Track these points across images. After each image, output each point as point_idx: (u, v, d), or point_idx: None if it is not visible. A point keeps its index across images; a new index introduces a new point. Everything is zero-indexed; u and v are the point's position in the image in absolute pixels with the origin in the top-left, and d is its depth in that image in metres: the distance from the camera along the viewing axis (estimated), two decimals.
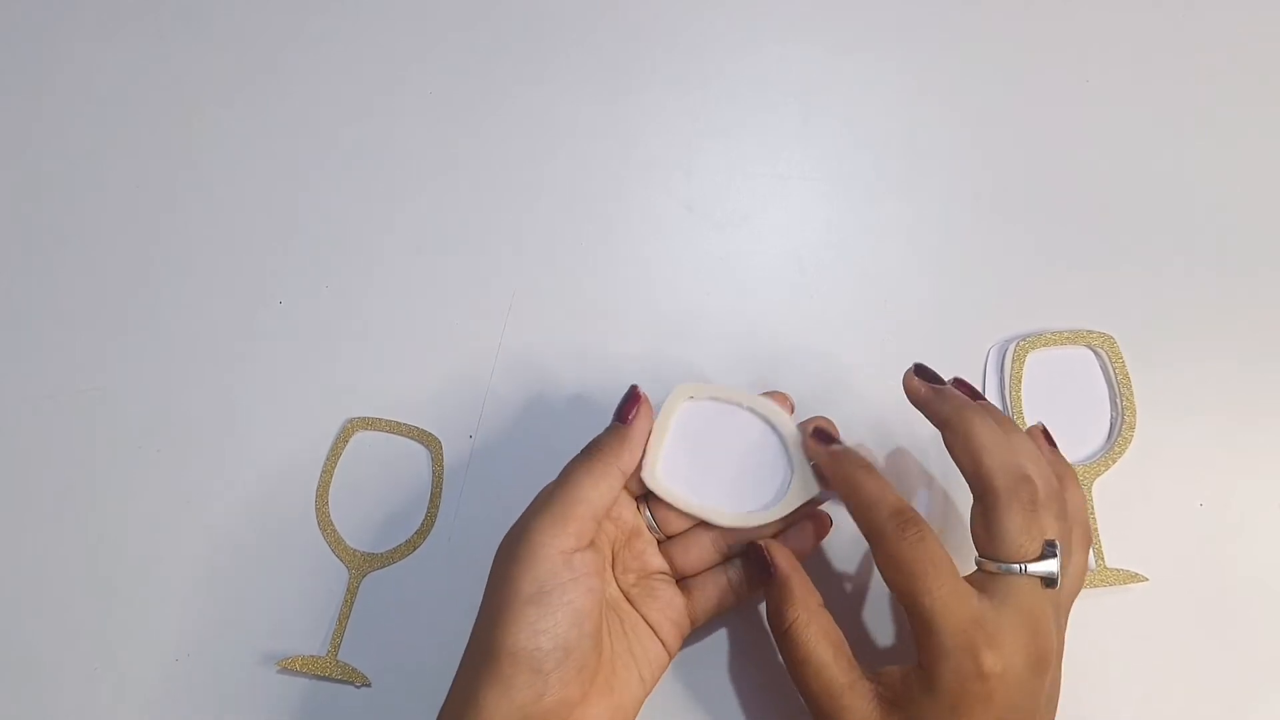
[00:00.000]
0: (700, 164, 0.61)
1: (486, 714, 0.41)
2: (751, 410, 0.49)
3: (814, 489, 0.48)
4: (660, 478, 0.48)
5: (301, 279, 0.59)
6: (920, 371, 0.48)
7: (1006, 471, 0.42)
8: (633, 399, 0.47)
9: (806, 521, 0.49)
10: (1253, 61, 0.63)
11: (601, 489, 0.44)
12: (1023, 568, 0.42)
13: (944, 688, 0.40)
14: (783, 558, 0.46)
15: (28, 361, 0.58)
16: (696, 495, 0.48)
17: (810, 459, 0.47)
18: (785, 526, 0.49)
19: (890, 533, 0.42)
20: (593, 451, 0.46)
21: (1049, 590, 0.42)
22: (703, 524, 0.49)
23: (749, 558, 0.48)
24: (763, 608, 0.53)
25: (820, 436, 0.47)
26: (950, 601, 0.41)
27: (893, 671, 0.44)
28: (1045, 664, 0.41)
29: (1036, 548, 0.42)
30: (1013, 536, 0.42)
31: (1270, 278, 0.59)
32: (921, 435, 0.56)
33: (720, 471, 0.49)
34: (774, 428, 0.49)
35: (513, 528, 0.45)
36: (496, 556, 0.45)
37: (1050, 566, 0.42)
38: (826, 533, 0.50)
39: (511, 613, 0.42)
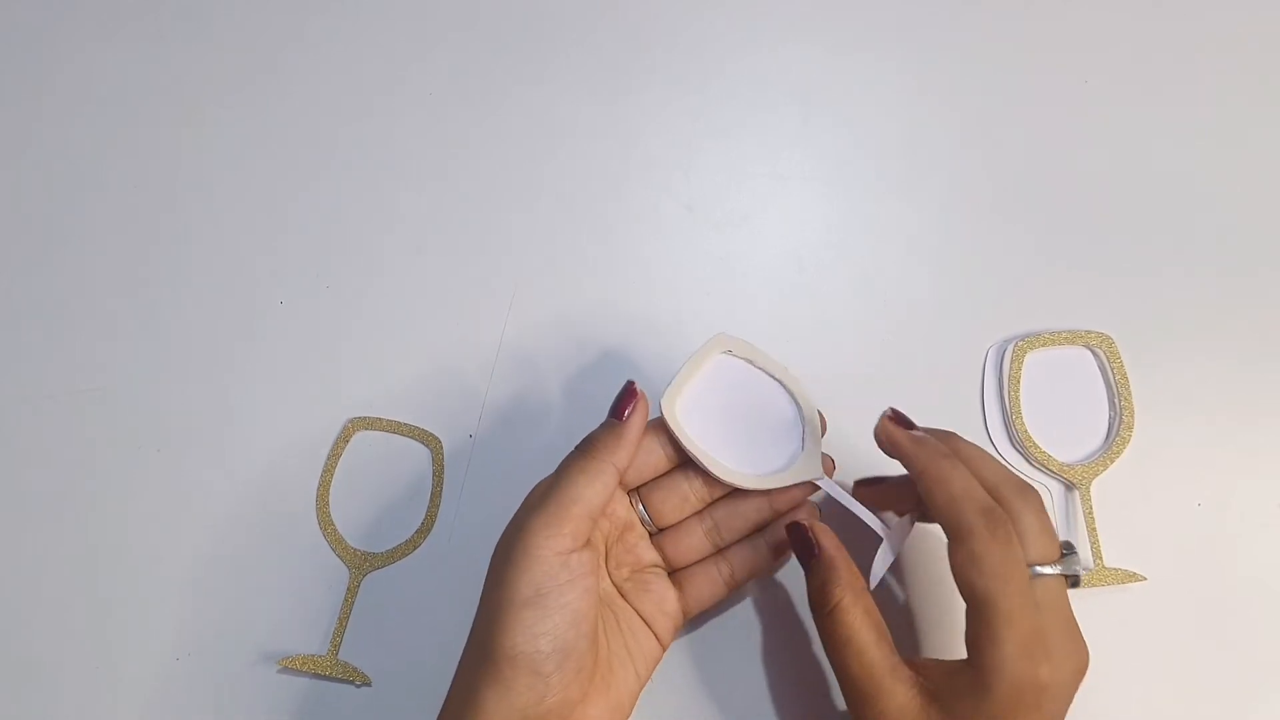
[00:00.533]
0: (700, 164, 0.61)
1: (487, 717, 0.41)
2: (780, 383, 0.50)
3: (817, 471, 0.48)
4: (677, 413, 0.48)
5: (302, 279, 0.59)
6: (897, 418, 0.47)
7: (985, 512, 0.42)
8: (629, 395, 0.47)
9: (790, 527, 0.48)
10: (1252, 61, 0.63)
11: (596, 487, 0.44)
12: (1056, 567, 0.42)
13: (999, 693, 0.40)
14: (828, 539, 0.46)
15: (28, 361, 0.58)
16: (702, 441, 0.48)
17: (885, 444, 0.46)
18: (773, 516, 0.49)
19: (980, 530, 0.41)
20: (587, 448, 0.45)
21: (1071, 592, 0.43)
22: (695, 516, 0.49)
23: (794, 537, 0.47)
24: (752, 601, 0.53)
25: (900, 420, 0.46)
26: (1022, 610, 0.40)
27: (934, 663, 0.44)
28: (1084, 672, 0.42)
29: (1057, 549, 0.42)
30: (1035, 537, 0.42)
31: (1269, 278, 0.59)
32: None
33: (732, 429, 0.49)
34: (796, 405, 0.50)
35: (508, 527, 0.45)
36: (493, 558, 0.45)
37: (1074, 565, 0.42)
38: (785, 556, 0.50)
39: (509, 616, 0.42)
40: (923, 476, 0.43)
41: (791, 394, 0.50)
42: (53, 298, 0.59)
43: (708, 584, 0.49)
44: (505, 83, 0.62)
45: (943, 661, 0.43)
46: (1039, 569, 0.42)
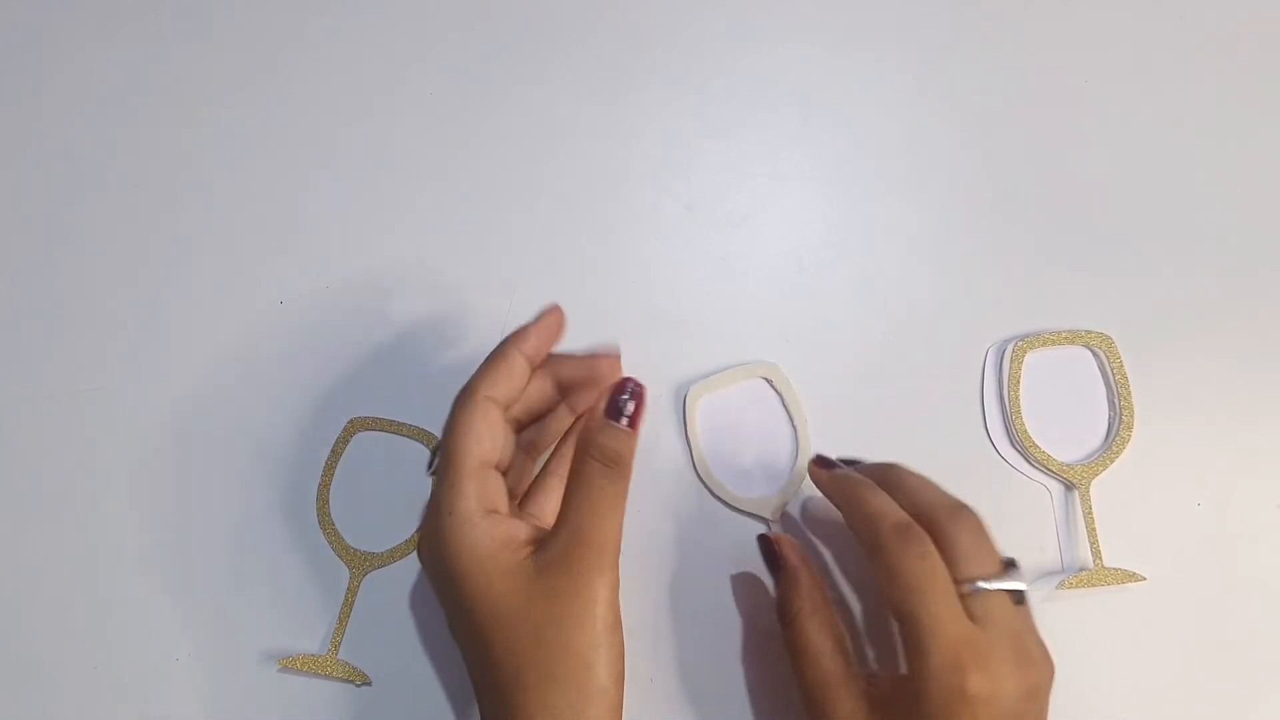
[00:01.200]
0: (700, 164, 0.61)
1: None
2: (795, 430, 0.56)
3: (768, 513, 0.54)
4: (697, 405, 0.56)
5: (302, 279, 0.59)
6: (819, 461, 0.50)
7: (898, 529, 0.43)
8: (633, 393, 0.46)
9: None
10: (1252, 62, 0.63)
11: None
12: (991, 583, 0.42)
13: (929, 705, 0.40)
14: (791, 550, 0.48)
15: (28, 361, 0.58)
16: (701, 437, 0.56)
17: (815, 484, 0.50)
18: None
19: (892, 546, 0.42)
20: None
21: (1023, 609, 0.43)
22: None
23: (762, 549, 0.50)
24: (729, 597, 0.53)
25: (820, 462, 0.50)
26: (944, 619, 0.41)
27: (886, 676, 0.44)
28: (1035, 694, 0.42)
29: (997, 565, 0.43)
30: (969, 555, 0.42)
31: (1269, 278, 0.59)
32: (922, 434, 0.56)
33: (731, 443, 0.56)
34: (795, 456, 0.55)
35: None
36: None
37: (1015, 580, 0.43)
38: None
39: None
40: (842, 504, 0.47)
41: (798, 446, 0.55)
42: (52, 297, 0.58)
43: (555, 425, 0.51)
44: (505, 82, 0.62)
45: (894, 674, 0.44)
46: (979, 584, 0.42)
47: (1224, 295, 0.59)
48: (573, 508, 0.43)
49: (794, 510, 0.55)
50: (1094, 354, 0.57)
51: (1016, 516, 0.55)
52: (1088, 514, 0.54)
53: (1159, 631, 0.54)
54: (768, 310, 0.58)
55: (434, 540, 0.43)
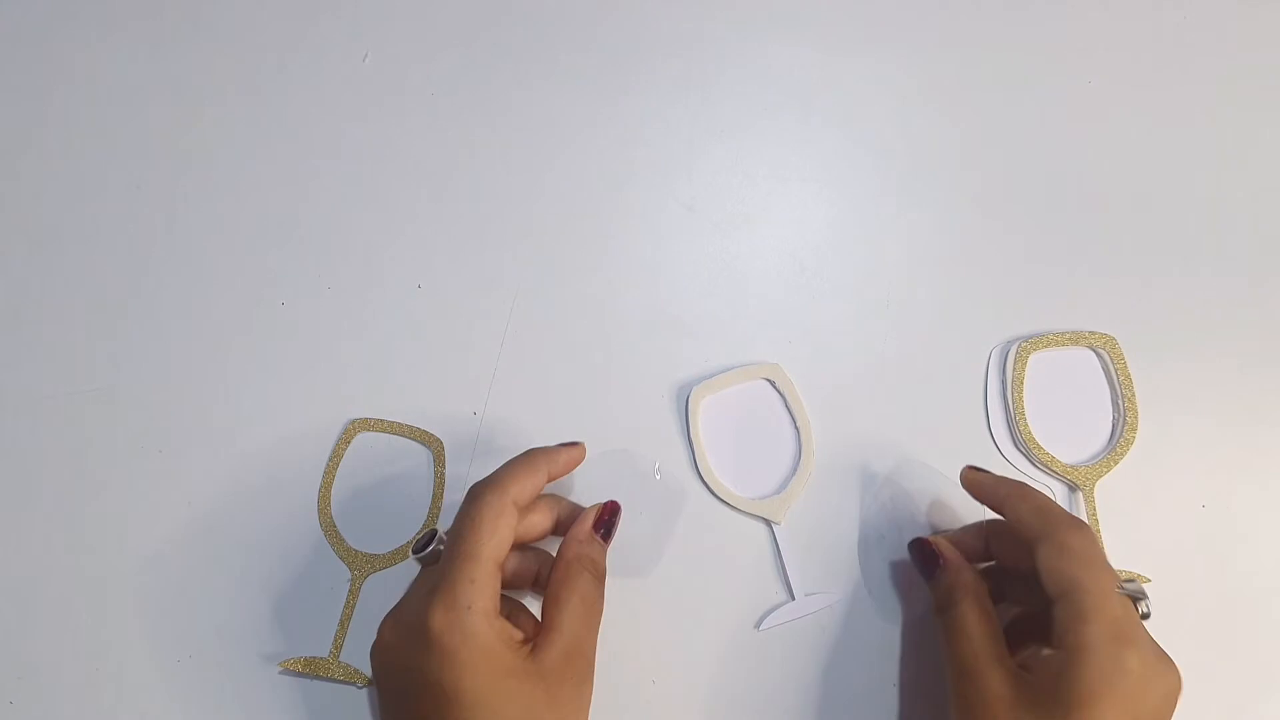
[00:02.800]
0: (702, 165, 0.61)
1: None
2: (798, 431, 0.56)
3: (779, 517, 0.54)
4: (699, 406, 0.56)
5: (303, 280, 0.58)
6: (974, 468, 0.51)
7: (1070, 516, 0.46)
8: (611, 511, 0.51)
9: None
10: (1257, 64, 0.63)
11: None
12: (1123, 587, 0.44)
13: (1088, 673, 0.41)
14: (949, 550, 0.49)
15: (28, 362, 0.57)
16: (704, 437, 0.56)
17: (971, 487, 0.51)
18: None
19: (1065, 525, 0.44)
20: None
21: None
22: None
23: (916, 551, 0.51)
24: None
25: (975, 469, 0.51)
26: (1111, 597, 0.42)
27: (1034, 654, 0.47)
28: (1171, 696, 0.43)
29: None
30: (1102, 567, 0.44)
31: (1272, 281, 0.59)
32: (925, 435, 0.56)
33: (733, 444, 0.56)
34: (798, 456, 0.55)
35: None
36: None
37: (1145, 596, 0.44)
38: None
39: None
40: (1010, 498, 0.47)
41: (802, 444, 0.55)
42: (53, 298, 0.58)
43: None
44: (507, 84, 0.62)
45: (1043, 653, 0.45)
46: (1124, 585, 0.43)
47: (1227, 298, 0.59)
48: (567, 616, 0.45)
49: (798, 515, 0.55)
50: (1098, 355, 0.57)
51: None
52: (1092, 515, 0.54)
53: (1162, 633, 0.53)
54: (769, 311, 0.58)
55: (438, 633, 0.42)
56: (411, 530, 0.55)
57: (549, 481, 0.49)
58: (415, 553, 0.48)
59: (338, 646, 0.53)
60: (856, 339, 0.58)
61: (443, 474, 0.55)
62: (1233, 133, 0.62)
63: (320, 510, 0.55)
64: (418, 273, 0.59)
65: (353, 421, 0.56)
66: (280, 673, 0.53)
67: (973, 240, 0.59)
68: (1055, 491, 0.55)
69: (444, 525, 0.55)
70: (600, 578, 0.47)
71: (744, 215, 0.60)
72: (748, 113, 0.61)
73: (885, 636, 0.53)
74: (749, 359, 0.57)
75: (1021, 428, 0.56)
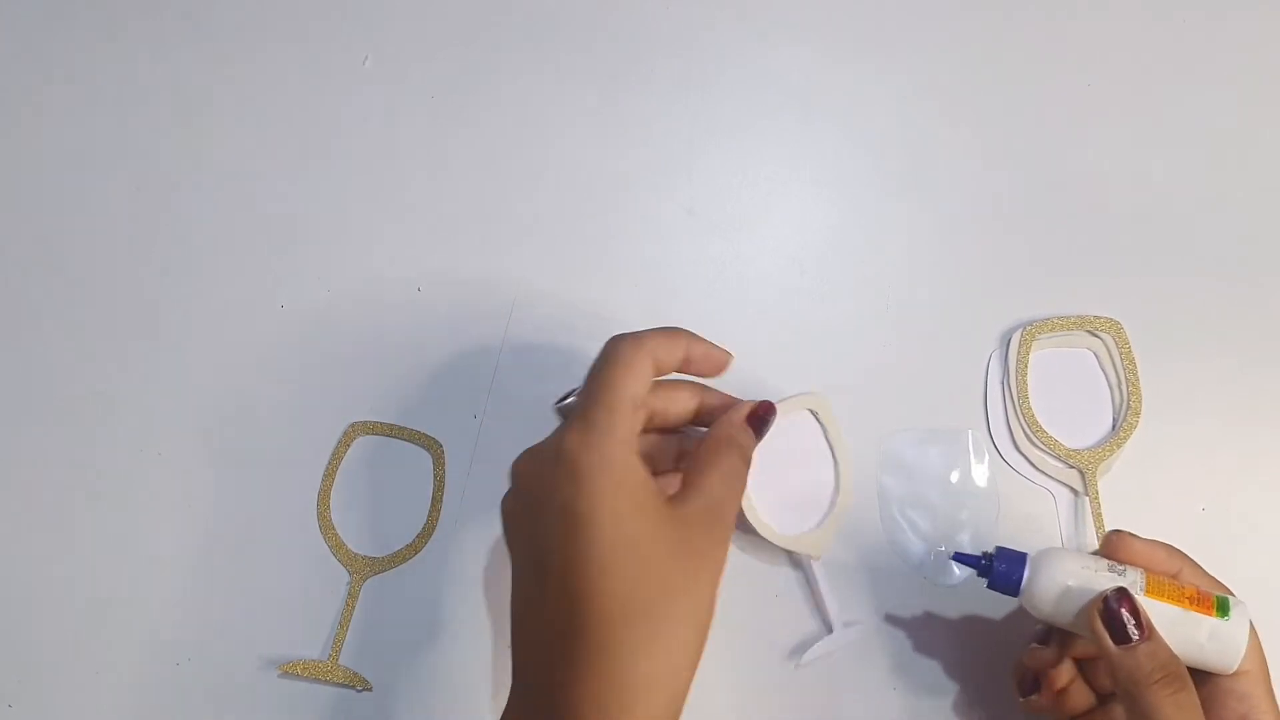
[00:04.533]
0: (701, 167, 0.61)
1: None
2: (836, 463, 0.54)
3: (818, 553, 0.53)
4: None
5: (303, 282, 0.58)
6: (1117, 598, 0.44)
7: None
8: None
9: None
10: (1254, 62, 0.63)
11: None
12: None
13: None
14: (1147, 618, 0.44)
15: (29, 364, 0.57)
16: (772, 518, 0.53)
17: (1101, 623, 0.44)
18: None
19: (1160, 690, 0.41)
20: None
21: None
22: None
23: (1110, 609, 0.44)
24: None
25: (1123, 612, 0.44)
26: None
27: None
28: None
29: None
30: None
31: (1272, 281, 0.59)
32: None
33: (772, 475, 0.51)
34: (837, 488, 0.54)
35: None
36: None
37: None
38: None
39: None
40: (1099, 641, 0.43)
41: (839, 477, 0.54)
42: (54, 302, 0.58)
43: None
44: (507, 85, 0.62)
45: None
46: None
47: (1229, 299, 0.59)
48: (712, 479, 0.43)
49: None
50: (1102, 340, 0.57)
51: (1020, 520, 0.55)
52: (1094, 500, 0.54)
53: None
54: (769, 313, 0.58)
55: (574, 454, 0.40)
56: (411, 533, 0.55)
57: (689, 369, 0.46)
58: (558, 404, 0.48)
59: (337, 650, 0.53)
60: (856, 340, 0.58)
61: (442, 477, 0.55)
62: (1234, 134, 0.62)
63: (320, 513, 0.55)
64: (418, 275, 0.59)
65: (352, 424, 0.56)
66: (280, 677, 0.53)
67: (973, 241, 0.60)
68: (1056, 494, 0.55)
69: (444, 529, 0.55)
70: (747, 464, 0.45)
71: (744, 216, 0.60)
72: (748, 114, 0.62)
73: (911, 659, 0.53)
74: (749, 360, 0.57)
75: (1024, 411, 0.55)
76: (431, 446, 0.56)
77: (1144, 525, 0.54)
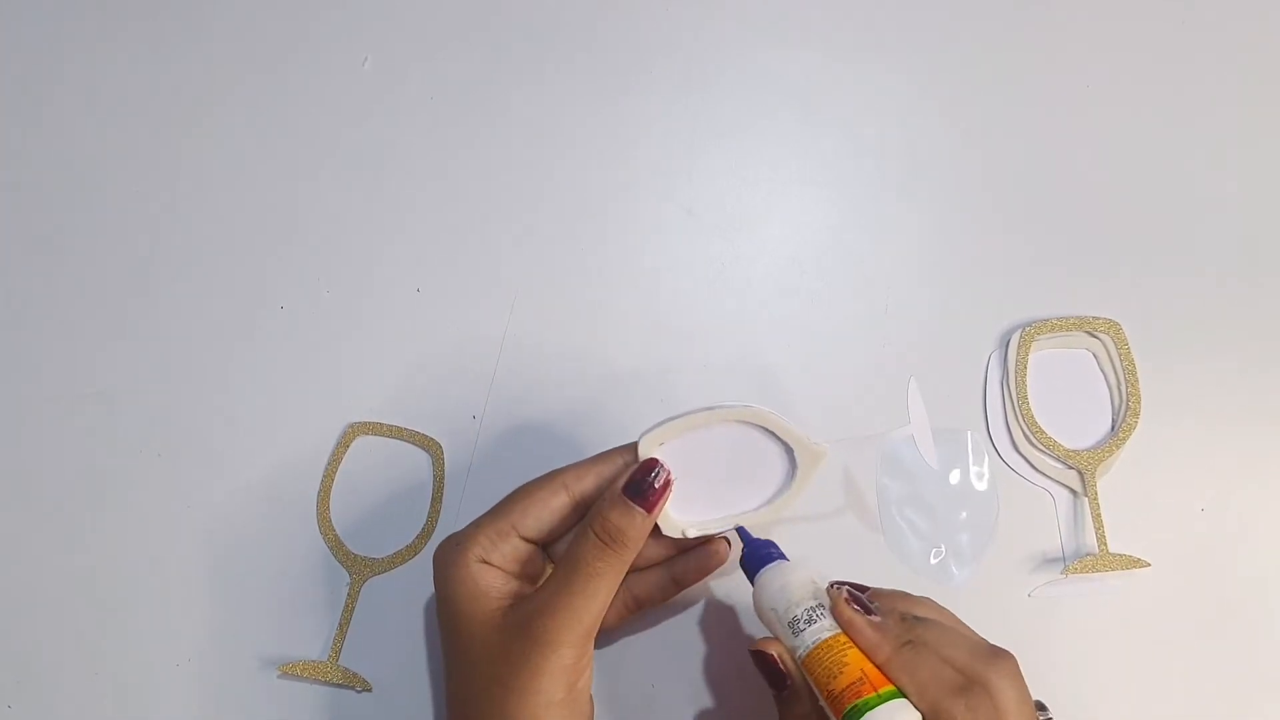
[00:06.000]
0: (701, 168, 0.61)
1: None
2: (721, 422, 0.46)
3: (822, 450, 0.46)
4: (674, 519, 0.46)
5: (303, 283, 0.58)
6: (854, 599, 0.43)
7: (960, 691, 0.41)
8: (663, 486, 0.44)
9: (707, 548, 0.49)
10: (1254, 62, 0.63)
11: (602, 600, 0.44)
12: None
13: None
14: (796, 672, 0.44)
15: (29, 365, 0.57)
16: (715, 511, 0.47)
17: (844, 627, 0.43)
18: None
19: (959, 713, 0.40)
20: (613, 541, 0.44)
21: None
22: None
23: (759, 662, 0.45)
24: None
25: (856, 601, 0.43)
26: None
27: None
28: None
29: (1034, 715, 0.41)
30: (1016, 708, 0.40)
31: (1271, 282, 0.59)
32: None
33: (721, 482, 0.47)
34: (748, 424, 0.46)
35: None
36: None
37: None
38: (723, 562, 0.49)
39: None
40: (887, 667, 0.41)
41: (733, 420, 0.46)
42: (54, 301, 0.58)
43: (658, 584, 0.49)
44: (506, 87, 0.62)
45: None
46: None
47: (1228, 300, 0.59)
48: (556, 575, 0.44)
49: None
50: (1101, 341, 0.57)
51: (1020, 520, 0.55)
52: (1093, 500, 0.54)
53: (1161, 634, 0.54)
54: (769, 314, 0.58)
55: (437, 560, 0.47)
56: (411, 533, 0.55)
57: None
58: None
59: (337, 650, 0.53)
60: (856, 341, 0.58)
61: (442, 478, 0.55)
62: (1233, 134, 0.61)
63: (319, 514, 0.55)
64: (417, 276, 0.59)
65: (352, 425, 0.56)
66: (280, 677, 0.53)
67: (972, 242, 0.60)
68: (1055, 495, 0.55)
69: (444, 530, 0.55)
70: (611, 541, 0.43)
71: (743, 217, 0.60)
72: (747, 114, 0.62)
73: None
74: (749, 361, 0.57)
75: (1023, 411, 0.55)
76: (431, 447, 0.56)
77: (1143, 525, 0.55)
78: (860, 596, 0.43)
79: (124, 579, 0.54)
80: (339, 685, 0.52)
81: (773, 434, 0.46)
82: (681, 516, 0.46)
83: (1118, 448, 0.55)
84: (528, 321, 0.58)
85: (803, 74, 0.62)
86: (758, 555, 0.46)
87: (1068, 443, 0.55)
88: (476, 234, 0.59)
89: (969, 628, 0.44)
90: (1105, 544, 0.53)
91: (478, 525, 0.46)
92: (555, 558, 0.48)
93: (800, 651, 0.42)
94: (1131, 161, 0.61)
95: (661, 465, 0.44)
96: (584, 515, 0.46)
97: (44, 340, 0.58)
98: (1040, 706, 0.43)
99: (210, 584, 0.54)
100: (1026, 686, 0.41)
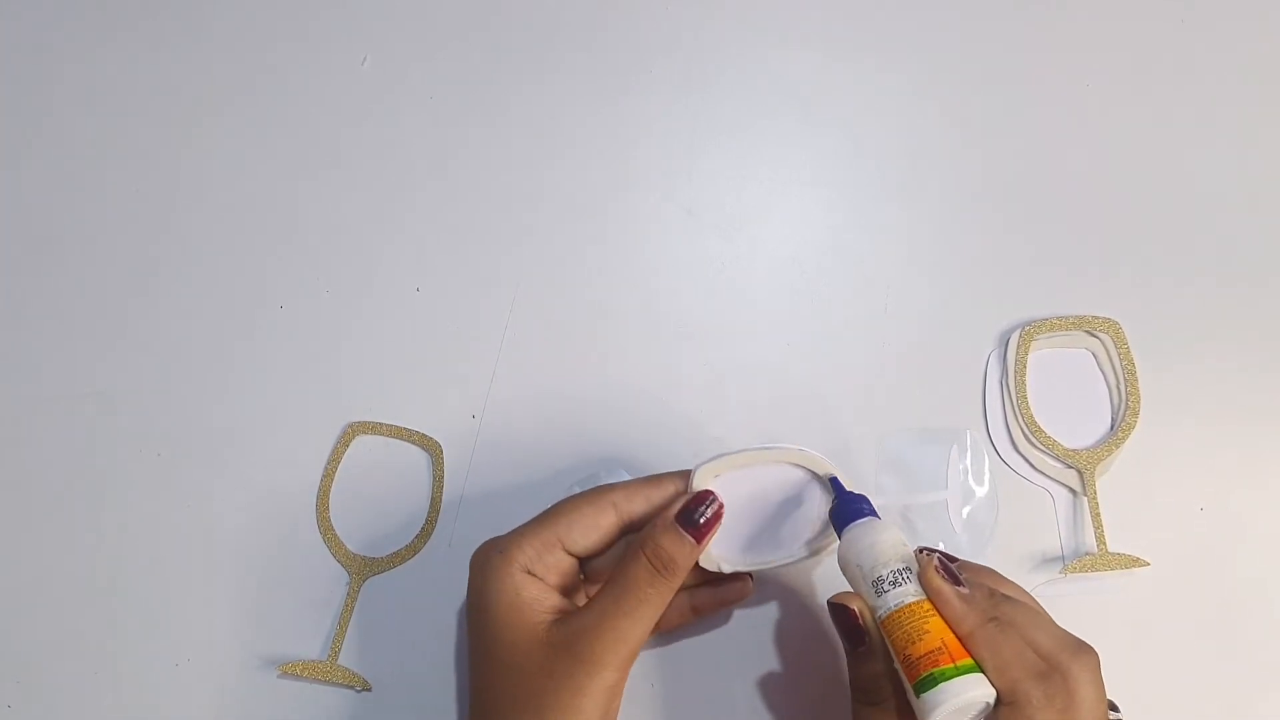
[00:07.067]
0: (701, 168, 0.61)
1: None
2: (774, 462, 0.47)
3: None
4: (712, 554, 0.46)
5: (302, 283, 0.58)
6: (945, 569, 0.42)
7: (1040, 678, 0.40)
8: (715, 517, 0.45)
9: (732, 582, 0.49)
10: (1253, 62, 0.63)
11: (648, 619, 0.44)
12: None
13: None
14: (875, 630, 0.43)
15: (29, 365, 0.57)
16: (753, 546, 0.47)
17: (931, 595, 0.42)
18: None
19: (1036, 698, 0.39)
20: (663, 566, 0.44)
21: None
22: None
23: (838, 617, 0.44)
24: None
25: (947, 571, 0.42)
26: None
27: None
28: None
29: (1106, 713, 0.41)
30: (1092, 707, 0.40)
31: (1271, 282, 0.59)
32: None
33: (763, 519, 0.47)
34: (797, 465, 0.47)
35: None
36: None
37: None
38: (746, 597, 0.50)
39: None
40: (969, 640, 0.41)
41: (787, 462, 0.47)
42: (54, 301, 0.58)
43: (675, 612, 0.49)
44: (506, 86, 0.62)
45: None
46: None
47: (1228, 300, 0.59)
48: (606, 596, 0.44)
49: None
50: (1101, 341, 0.57)
51: (1019, 519, 0.55)
52: (1093, 500, 0.54)
53: (1161, 634, 0.54)
54: (769, 313, 0.58)
55: (477, 570, 0.46)
56: (410, 533, 0.55)
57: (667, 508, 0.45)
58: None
59: (336, 650, 0.53)
60: (856, 341, 0.58)
61: (441, 477, 0.55)
62: (1233, 134, 0.61)
63: (319, 513, 0.55)
64: (416, 275, 0.59)
65: (351, 424, 0.56)
66: (279, 676, 0.53)
67: (971, 241, 0.60)
68: (1054, 494, 0.55)
69: (444, 529, 0.55)
70: (662, 568, 0.43)
71: (744, 216, 0.60)
72: (747, 114, 0.62)
73: None
74: (749, 361, 0.57)
75: (1023, 411, 0.55)
76: (430, 447, 0.56)
77: (1143, 525, 0.54)
78: (950, 566, 0.43)
79: (124, 579, 0.54)
80: (339, 685, 0.52)
81: (818, 477, 0.47)
82: (718, 551, 0.46)
83: (1117, 447, 0.55)
84: (527, 321, 0.58)
85: (803, 74, 0.62)
86: (849, 509, 0.45)
87: (1067, 442, 0.55)
88: (476, 234, 0.59)
89: (1052, 617, 0.44)
90: (1104, 543, 0.53)
91: (523, 534, 0.45)
92: (589, 573, 0.48)
93: (882, 612, 0.42)
94: (1131, 161, 0.61)
95: (715, 497, 0.45)
96: (625, 535, 0.46)
97: (44, 340, 0.58)
98: (1113, 706, 0.42)
99: (210, 584, 0.54)
100: (1104, 684, 0.41)
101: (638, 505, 0.46)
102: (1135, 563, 0.53)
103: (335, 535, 0.55)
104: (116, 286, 0.59)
